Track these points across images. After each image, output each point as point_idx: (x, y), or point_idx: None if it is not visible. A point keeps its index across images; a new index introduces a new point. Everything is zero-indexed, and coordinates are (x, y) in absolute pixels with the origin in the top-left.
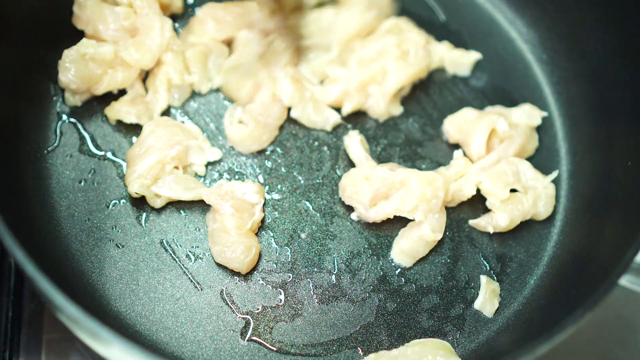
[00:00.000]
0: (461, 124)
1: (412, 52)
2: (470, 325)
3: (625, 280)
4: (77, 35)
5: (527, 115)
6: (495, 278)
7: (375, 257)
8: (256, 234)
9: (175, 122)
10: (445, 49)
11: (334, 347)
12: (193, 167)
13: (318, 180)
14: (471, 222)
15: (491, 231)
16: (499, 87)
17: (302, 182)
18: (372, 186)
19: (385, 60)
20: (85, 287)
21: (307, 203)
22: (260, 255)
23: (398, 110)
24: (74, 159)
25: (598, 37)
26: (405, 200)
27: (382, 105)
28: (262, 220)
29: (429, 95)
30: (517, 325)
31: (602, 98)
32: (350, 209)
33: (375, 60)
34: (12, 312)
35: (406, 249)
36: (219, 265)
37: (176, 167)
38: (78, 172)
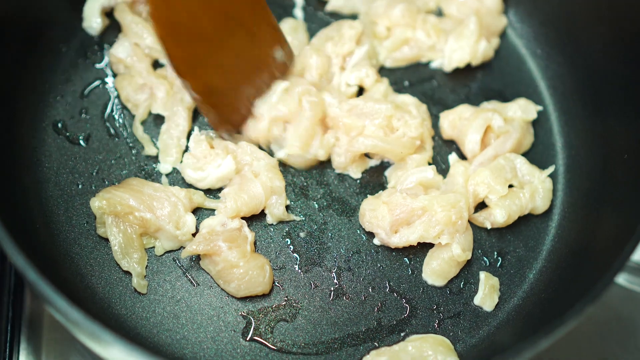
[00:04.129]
0: (456, 121)
1: (468, 27)
2: (470, 321)
3: (625, 281)
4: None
5: (523, 110)
6: (494, 273)
7: (374, 255)
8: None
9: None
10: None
11: (336, 345)
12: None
13: (317, 179)
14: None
15: (489, 227)
16: (493, 82)
17: (299, 180)
18: (392, 211)
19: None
20: (85, 290)
21: (306, 201)
22: None
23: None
24: (71, 162)
25: (592, 31)
26: (429, 226)
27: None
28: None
29: (424, 89)
30: (517, 319)
31: (598, 92)
32: (349, 212)
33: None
34: (12, 312)
35: (438, 271)
36: None
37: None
38: (76, 176)
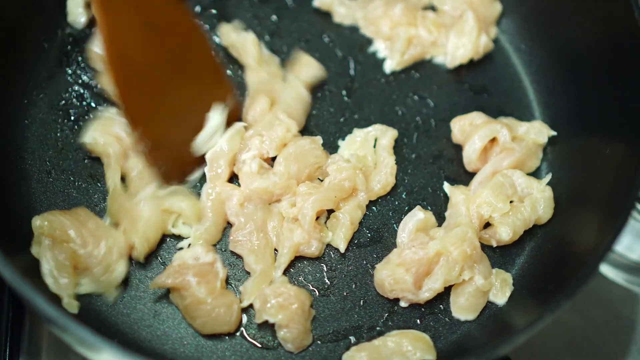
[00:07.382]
0: (466, 127)
1: (468, 23)
2: (452, 317)
3: (624, 281)
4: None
5: (535, 132)
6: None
7: (357, 251)
8: None
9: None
10: None
11: (317, 342)
12: None
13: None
14: None
15: (494, 245)
16: (477, 77)
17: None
18: (410, 270)
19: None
20: None
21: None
22: None
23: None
24: (69, 165)
25: (576, 25)
26: (449, 269)
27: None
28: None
29: (405, 81)
30: (498, 315)
31: (581, 86)
32: None
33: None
34: (12, 312)
35: (466, 306)
36: None
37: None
38: (71, 178)
